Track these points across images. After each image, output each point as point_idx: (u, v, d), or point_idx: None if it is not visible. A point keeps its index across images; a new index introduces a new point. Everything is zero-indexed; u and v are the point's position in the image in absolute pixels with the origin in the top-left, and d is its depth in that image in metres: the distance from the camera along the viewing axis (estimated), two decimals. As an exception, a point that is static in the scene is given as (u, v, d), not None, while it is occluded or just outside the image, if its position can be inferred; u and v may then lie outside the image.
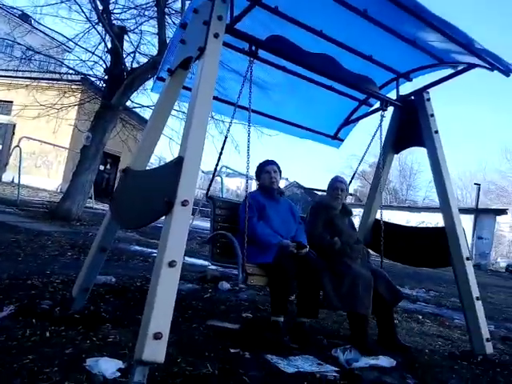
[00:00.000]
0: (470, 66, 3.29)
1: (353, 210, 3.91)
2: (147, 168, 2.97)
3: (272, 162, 3.42)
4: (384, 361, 2.68)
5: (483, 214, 21.69)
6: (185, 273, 5.12)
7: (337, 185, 3.53)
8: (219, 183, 12.53)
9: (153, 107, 4.32)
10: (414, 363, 2.84)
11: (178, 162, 2.04)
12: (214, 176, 3.35)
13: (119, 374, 1.98)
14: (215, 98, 4.13)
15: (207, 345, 2.55)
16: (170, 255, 1.86)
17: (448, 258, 3.34)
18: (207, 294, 4.15)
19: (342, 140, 4.93)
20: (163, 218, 2.02)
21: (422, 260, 3.79)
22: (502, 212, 23.45)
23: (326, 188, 3.69)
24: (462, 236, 3.30)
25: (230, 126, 3.37)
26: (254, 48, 3.01)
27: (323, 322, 3.71)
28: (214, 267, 5.47)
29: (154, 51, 8.88)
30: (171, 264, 1.84)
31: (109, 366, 2.00)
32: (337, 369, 2.48)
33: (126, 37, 9.00)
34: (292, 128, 4.70)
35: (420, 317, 4.70)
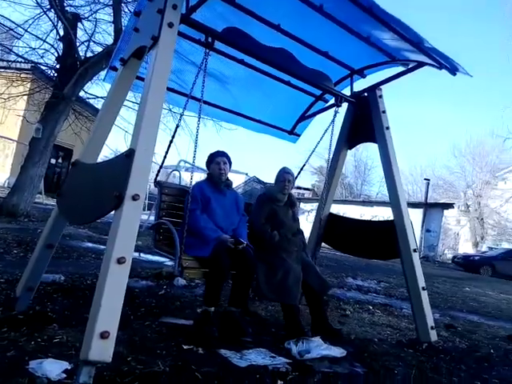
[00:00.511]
0: (420, 65, 3.43)
1: (309, 204, 3.98)
2: (98, 161, 2.86)
3: (223, 154, 3.41)
4: (335, 351, 2.76)
5: (432, 208, 22.75)
6: (139, 270, 5.01)
7: (284, 176, 3.59)
8: (178, 178, 12.32)
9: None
10: (364, 352, 2.94)
11: (128, 155, 1.97)
12: (162, 162, 3.27)
13: (65, 375, 1.90)
14: (173, 90, 4.05)
15: (160, 342, 2.51)
16: (119, 252, 1.80)
17: (397, 250, 3.48)
18: (162, 291, 4.08)
19: (299, 135, 5.00)
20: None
21: (372, 252, 3.93)
22: (449, 206, 24.73)
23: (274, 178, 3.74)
24: (409, 229, 3.44)
25: (181, 115, 3.35)
26: (210, 39, 2.96)
27: (277, 315, 3.75)
28: (170, 263, 5.40)
29: (110, 40, 8.55)
30: (120, 261, 1.78)
31: (53, 367, 1.92)
32: (289, 361, 2.52)
33: (79, 24, 8.61)
34: (250, 122, 4.70)
35: (371, 307, 4.88)
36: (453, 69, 3.10)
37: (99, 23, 8.78)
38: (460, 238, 36.91)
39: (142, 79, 3.31)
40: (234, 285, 3.13)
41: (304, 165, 4.45)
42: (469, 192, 34.49)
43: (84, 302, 3.14)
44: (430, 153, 78.26)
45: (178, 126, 3.27)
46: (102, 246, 6.45)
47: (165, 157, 3.27)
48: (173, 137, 3.21)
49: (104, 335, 1.69)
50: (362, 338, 3.36)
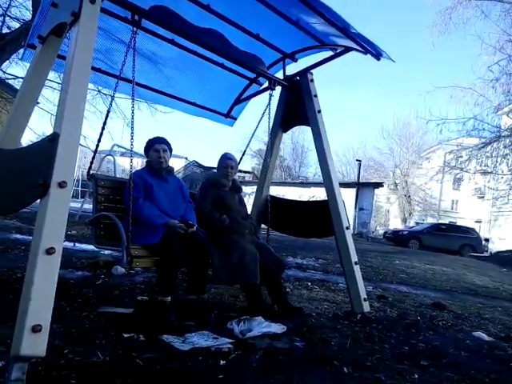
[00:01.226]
0: (347, 49, 3.56)
1: (250, 187, 4.02)
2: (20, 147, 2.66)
3: (162, 140, 3.25)
4: (275, 327, 2.86)
5: (364, 188, 23.98)
6: (74, 260, 4.80)
7: (227, 162, 3.56)
8: (112, 164, 11.80)
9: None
10: (303, 327, 3.07)
11: (52, 139, 1.86)
12: (95, 152, 3.02)
13: (-5, 374, 1.79)
14: (100, 70, 3.85)
15: (98, 332, 2.44)
16: (48, 242, 1.72)
17: (331, 228, 3.64)
18: (99, 281, 3.93)
19: (235, 118, 5.00)
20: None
21: (309, 231, 4.09)
22: (380, 185, 26.24)
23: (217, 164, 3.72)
24: (342, 208, 3.62)
25: (112, 98, 3.11)
26: (136, 18, 2.81)
27: (220, 297, 3.80)
28: (107, 252, 5.22)
29: (28, 15, 7.89)
30: (49, 251, 1.70)
31: (-20, 367, 1.80)
32: (232, 340, 2.57)
33: (-9, -3, 7.83)
34: (185, 105, 4.61)
35: (309, 283, 5.09)
36: (377, 54, 3.26)
37: (15, -4, 8.05)
38: (390, 214, 39.49)
39: (65, 58, 3.10)
40: (189, 272, 3.04)
41: (245, 150, 4.45)
42: (397, 171, 36.80)
43: (14, 296, 2.93)
44: (362, 135, 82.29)
45: (109, 111, 3.02)
46: (32, 237, 6.05)
47: (97, 146, 2.99)
48: (104, 122, 2.96)
49: (36, 329, 1.63)
50: (301, 314, 3.50)
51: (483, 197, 30.84)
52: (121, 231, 2.67)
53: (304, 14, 3.13)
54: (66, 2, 2.33)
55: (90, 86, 6.90)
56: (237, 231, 3.36)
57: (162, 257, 2.82)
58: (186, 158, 35.88)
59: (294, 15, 3.27)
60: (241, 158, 4.05)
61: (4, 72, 8.90)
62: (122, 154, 12.94)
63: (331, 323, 3.29)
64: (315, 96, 3.82)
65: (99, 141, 2.90)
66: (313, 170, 41.93)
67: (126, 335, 2.45)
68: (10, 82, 10.11)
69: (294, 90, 4.00)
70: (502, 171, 17.14)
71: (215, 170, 3.76)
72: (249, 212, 3.90)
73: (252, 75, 4.32)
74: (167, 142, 3.28)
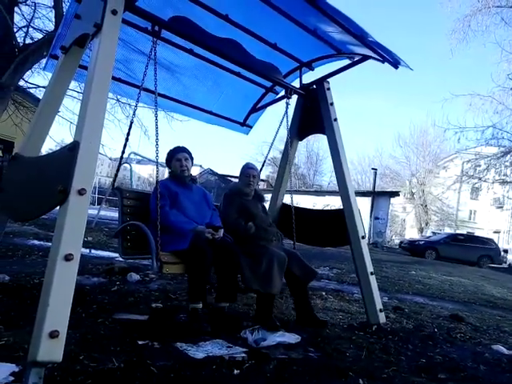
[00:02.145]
0: (365, 58, 3.55)
1: (265, 195, 4.02)
2: (40, 154, 2.72)
3: (183, 149, 3.30)
4: (289, 337, 2.84)
5: (379, 197, 23.74)
6: (90, 266, 4.85)
7: (248, 172, 3.59)
8: (128, 171, 11.98)
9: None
10: (317, 337, 3.03)
11: (72, 148, 1.89)
12: (120, 164, 3.11)
13: (13, 378, 1.82)
14: (120, 80, 3.93)
15: (113, 339, 2.45)
16: (66, 248, 1.74)
17: (346, 237, 3.61)
18: (115, 287, 3.97)
19: (251, 127, 5.03)
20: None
21: (324, 240, 4.06)
22: (396, 194, 25.95)
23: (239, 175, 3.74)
24: (357, 217, 3.58)
25: (135, 109, 3.17)
26: (156, 28, 2.87)
27: (234, 305, 3.78)
28: (121, 259, 5.27)
29: (51, 26, 8.09)
30: (67, 258, 1.72)
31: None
32: (245, 350, 2.55)
33: (16, 9, 8.04)
34: (201, 114, 4.66)
35: (324, 293, 5.04)
36: (395, 62, 3.24)
37: (38, 7, 8.28)
38: (406, 224, 38.89)
39: (86, 68, 3.18)
40: (219, 278, 3.02)
41: (265, 159, 4.52)
42: (413, 180, 36.35)
43: (32, 301, 2.99)
44: (378, 143, 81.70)
45: (132, 123, 3.07)
46: (50, 244, 6.16)
47: (121, 158, 3.11)
48: (128, 134, 3.03)
49: (53, 335, 1.64)
50: (326, 327, 3.45)
51: (502, 207, 30.25)
52: (150, 238, 2.68)
53: (321, 22, 3.15)
54: (89, 13, 2.39)
55: (109, 95, 7.05)
56: (264, 238, 3.34)
57: (192, 262, 2.81)
58: (201, 166, 36.14)
59: (312, 24, 3.29)
60: (261, 168, 4.08)
61: (26, 81, 9.12)
62: (138, 162, 13.13)
63: (346, 334, 3.25)
64: (331, 104, 3.82)
65: (123, 152, 2.99)
66: (327, 179, 41.79)
67: (140, 342, 2.46)
68: (31, 91, 10.38)
69: (311, 98, 4.01)
70: (522, 181, 16.79)
71: (232, 179, 3.78)
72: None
73: (268, 84, 4.35)
74: (188, 150, 3.33)
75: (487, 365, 2.89)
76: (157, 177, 2.89)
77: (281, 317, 3.49)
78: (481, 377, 2.59)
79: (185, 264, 2.85)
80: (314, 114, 3.96)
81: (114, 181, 3.18)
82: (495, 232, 33.54)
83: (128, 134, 3.03)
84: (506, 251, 25.56)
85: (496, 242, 22.98)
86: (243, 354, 2.45)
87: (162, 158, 3.42)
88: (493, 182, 17.88)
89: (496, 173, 17.04)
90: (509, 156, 15.98)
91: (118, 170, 3.10)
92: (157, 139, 2.86)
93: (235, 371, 2.21)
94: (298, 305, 3.38)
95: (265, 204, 3.83)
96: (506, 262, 22.65)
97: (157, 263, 2.65)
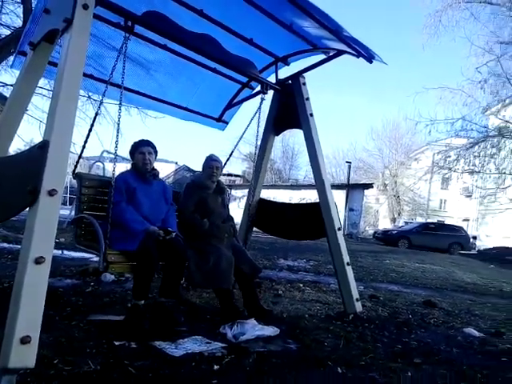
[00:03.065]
0: (340, 53, 3.58)
1: (240, 190, 4.01)
2: (9, 154, 2.63)
3: (147, 143, 3.24)
4: (268, 330, 2.86)
5: (354, 189, 24.11)
6: (63, 268, 4.74)
7: (212, 163, 3.56)
8: (101, 170, 11.70)
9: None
10: (296, 329, 3.07)
11: (42, 146, 1.83)
12: (81, 152, 3.02)
13: (-18, 387, 1.76)
14: (92, 76, 3.83)
15: (89, 341, 2.41)
16: (37, 251, 1.69)
17: (323, 229, 3.66)
18: (89, 288, 3.89)
19: (227, 122, 5.00)
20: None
21: (301, 233, 4.10)
22: (369, 186, 26.43)
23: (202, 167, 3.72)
24: (333, 209, 3.64)
25: (101, 103, 3.13)
26: (129, 23, 2.80)
27: (212, 301, 3.78)
28: (96, 259, 5.15)
29: (19, 22, 7.79)
30: (38, 261, 1.68)
31: (-32, 380, 1.77)
32: (225, 345, 2.56)
33: (-18, 5, 7.72)
34: (176, 110, 4.60)
35: (301, 285, 5.10)
36: (369, 57, 3.28)
37: (6, 3, 7.97)
38: (379, 214, 39.73)
39: (56, 65, 3.08)
40: (164, 275, 3.07)
41: (232, 152, 4.45)
42: (386, 172, 37.11)
43: (1, 306, 2.89)
44: (352, 137, 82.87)
45: (97, 114, 3.05)
46: (19, 246, 5.97)
47: (84, 146, 3.02)
48: (92, 125, 2.96)
49: (25, 340, 1.60)
50: (294, 316, 3.50)
51: (471, 196, 31.28)
52: (99, 236, 2.69)
53: (297, 17, 3.15)
54: (59, 8, 2.30)
55: (81, 92, 6.85)
56: (216, 235, 3.38)
57: (138, 263, 2.84)
58: (176, 163, 35.74)
59: (288, 19, 3.28)
60: (227, 160, 4.05)
61: (-7, 80, 8.77)
62: (111, 161, 12.84)
63: (324, 324, 3.30)
64: (307, 99, 3.84)
65: (86, 142, 2.93)
66: (303, 173, 42.03)
67: (117, 343, 2.42)
68: (-1, 89, 9.98)
69: (286, 93, 4.01)
70: (490, 170, 17.40)
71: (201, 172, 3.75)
72: (240, 216, 3.91)
73: (244, 79, 4.33)
74: (153, 144, 3.27)
75: (460, 347, 3.00)
76: (113, 173, 2.88)
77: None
78: (454, 359, 2.69)
79: (131, 264, 2.88)
80: (289, 109, 3.96)
81: (75, 167, 3.10)
82: (464, 220, 34.64)
83: (92, 125, 2.95)
84: (474, 238, 26.45)
85: (465, 229, 23.73)
86: (222, 350, 2.46)
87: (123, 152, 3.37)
88: (462, 172, 18.47)
89: (465, 163, 17.58)
90: (477, 147, 16.53)
91: (79, 157, 3.02)
92: (117, 134, 2.84)
93: (215, 367, 2.21)
94: (246, 298, 3.44)
95: (225, 196, 3.82)
96: (475, 249, 23.41)
97: (103, 263, 2.68)
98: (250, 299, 3.42)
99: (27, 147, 2.13)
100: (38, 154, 1.84)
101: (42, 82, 7.79)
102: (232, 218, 3.73)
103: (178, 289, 3.11)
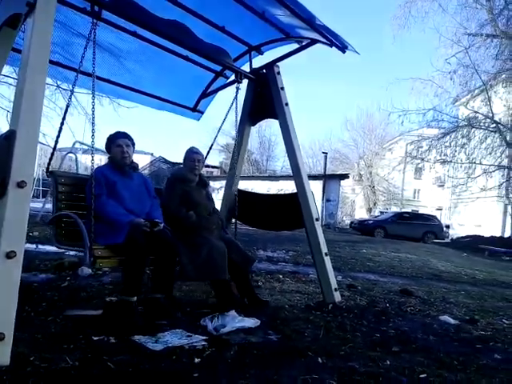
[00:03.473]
0: (313, 42, 3.57)
1: (218, 182, 3.97)
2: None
3: (124, 135, 3.14)
4: (249, 322, 2.86)
5: (330, 179, 24.33)
6: (37, 262, 4.61)
7: (193, 156, 3.50)
8: (74, 161, 11.39)
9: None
10: (276, 320, 3.08)
11: (9, 136, 1.75)
12: (54, 148, 2.86)
13: (-47, 389, 1.69)
14: (59, 64, 3.69)
15: (65, 337, 2.34)
16: (8, 245, 1.63)
17: (301, 220, 3.67)
18: (65, 283, 3.80)
19: (202, 112, 4.93)
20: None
21: (280, 224, 4.11)
22: (345, 176, 26.73)
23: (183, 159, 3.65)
24: (311, 200, 3.65)
25: (71, 93, 2.99)
26: (96, 9, 2.70)
27: (192, 294, 3.75)
28: (72, 253, 5.04)
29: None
30: (9, 255, 1.61)
31: None
32: (206, 337, 2.54)
33: None
34: (150, 99, 4.51)
35: (281, 276, 5.12)
36: (343, 46, 3.28)
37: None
38: (355, 204, 40.42)
39: (20, 51, 2.94)
40: (154, 270, 2.97)
41: (212, 144, 4.42)
42: (361, 163, 37.69)
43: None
44: (327, 127, 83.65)
45: (68, 106, 2.92)
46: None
47: (56, 141, 2.88)
48: (63, 118, 2.85)
49: (-2, 338, 1.53)
50: (274, 306, 3.51)
51: (443, 185, 32.17)
52: (83, 231, 2.58)
53: (270, 5, 3.11)
54: (20, -9, 2.19)
55: (49, 80, 6.62)
56: (204, 227, 3.32)
57: (127, 256, 2.73)
58: (152, 154, 35.24)
59: (260, 7, 3.24)
60: (208, 152, 3.98)
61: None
62: (85, 152, 12.53)
63: (304, 315, 3.32)
64: (282, 89, 3.82)
65: (58, 136, 2.81)
66: (280, 164, 42.21)
67: (95, 338, 2.37)
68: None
69: (261, 83, 3.98)
70: (461, 160, 17.90)
71: (182, 166, 3.68)
72: (218, 207, 3.87)
73: (218, 68, 4.26)
74: (130, 136, 3.16)
75: (436, 335, 3.07)
76: (92, 163, 2.74)
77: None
78: (431, 347, 2.75)
79: (119, 258, 2.77)
80: (265, 99, 3.93)
81: (49, 165, 2.94)
82: (438, 209, 35.64)
83: (64, 117, 2.86)
84: (447, 227, 27.24)
85: (439, 218, 24.43)
86: (203, 342, 2.44)
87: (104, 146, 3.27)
88: (434, 162, 18.95)
89: (437, 153, 18.05)
90: (448, 137, 16.98)
91: (52, 154, 2.88)
92: (93, 123, 2.74)
93: (196, 360, 2.19)
94: (240, 289, 3.43)
95: (209, 189, 3.77)
96: (448, 237, 24.12)
97: (89, 258, 2.57)
98: (246, 291, 3.39)
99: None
100: (4, 144, 1.75)
101: (8, 70, 7.50)
102: (218, 211, 3.69)
103: (171, 284, 3.03)
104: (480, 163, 17.36)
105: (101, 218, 2.75)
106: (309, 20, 3.02)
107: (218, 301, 3.17)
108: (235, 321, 2.82)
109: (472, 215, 27.47)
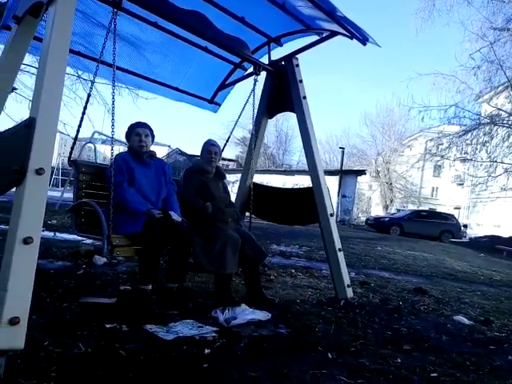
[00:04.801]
0: (333, 34, 3.51)
1: (234, 175, 3.97)
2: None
3: (144, 125, 3.18)
4: (260, 315, 2.86)
5: (346, 175, 24.12)
6: (55, 250, 4.70)
7: (210, 148, 3.51)
8: (93, 151, 11.55)
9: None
10: (287, 314, 3.08)
11: (28, 124, 1.78)
12: (76, 138, 2.96)
13: (-30, 369, 1.73)
14: (80, 53, 3.72)
15: (80, 323, 2.39)
16: (25, 231, 1.66)
17: (316, 215, 3.64)
18: (81, 271, 3.87)
19: (219, 104, 4.91)
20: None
21: (294, 219, 4.08)
22: (362, 173, 26.46)
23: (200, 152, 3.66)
24: (326, 195, 3.61)
25: (92, 83, 3.02)
26: (117, -2, 2.71)
27: (204, 285, 3.77)
28: (89, 241, 5.13)
29: (2, -4, 7.53)
30: (26, 241, 1.64)
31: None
32: (216, 329, 2.56)
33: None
34: (168, 90, 4.50)
35: (293, 271, 5.11)
36: (363, 39, 3.22)
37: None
38: (372, 201, 40.00)
39: (41, 40, 2.98)
40: (169, 260, 3.01)
41: (229, 137, 4.39)
42: (379, 159, 37.20)
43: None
44: (345, 122, 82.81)
45: (89, 96, 2.95)
46: (6, 227, 5.90)
47: (78, 131, 2.93)
48: (85, 108, 2.89)
49: (14, 321, 1.58)
50: (286, 301, 3.51)
51: (462, 184, 31.50)
52: (102, 220, 2.61)
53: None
54: (43, -21, 2.21)
55: (69, 70, 6.69)
56: (220, 219, 3.32)
57: (144, 246, 2.78)
58: (169, 146, 35.41)
59: (280, -2, 3.20)
60: (224, 145, 3.99)
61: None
62: (103, 142, 12.68)
63: (315, 310, 3.31)
64: (300, 81, 3.77)
65: (80, 126, 2.85)
66: (296, 158, 42.03)
67: (108, 326, 2.41)
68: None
69: (280, 75, 3.93)
70: (482, 158, 17.48)
71: (199, 158, 3.69)
72: (232, 200, 3.87)
73: (237, 60, 4.23)
74: (149, 126, 3.21)
75: (449, 335, 3.02)
76: (112, 152, 2.76)
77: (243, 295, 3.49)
78: (443, 346, 2.71)
79: (136, 247, 2.82)
80: (283, 92, 3.89)
81: (70, 154, 3.02)
82: (456, 208, 34.98)
83: (85, 107, 2.90)
84: (465, 226, 26.80)
85: (456, 217, 23.99)
86: (214, 334, 2.45)
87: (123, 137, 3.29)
88: (454, 160, 18.55)
89: (457, 151, 17.66)
90: (469, 134, 16.56)
91: (74, 143, 2.94)
92: (113, 113, 2.75)
93: (206, 351, 2.20)
94: (248, 283, 3.43)
95: (225, 182, 3.77)
96: (465, 237, 23.71)
97: (107, 247, 2.61)
98: (252, 286, 3.39)
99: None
100: (24, 131, 1.78)
101: (30, 59, 7.61)
102: (234, 204, 3.69)
103: (184, 273, 3.05)
104: (501, 162, 16.92)
105: (119, 206, 2.79)
106: (330, 12, 2.97)
107: (215, 293, 3.21)
108: (246, 313, 2.83)
109: (491, 215, 26.88)
